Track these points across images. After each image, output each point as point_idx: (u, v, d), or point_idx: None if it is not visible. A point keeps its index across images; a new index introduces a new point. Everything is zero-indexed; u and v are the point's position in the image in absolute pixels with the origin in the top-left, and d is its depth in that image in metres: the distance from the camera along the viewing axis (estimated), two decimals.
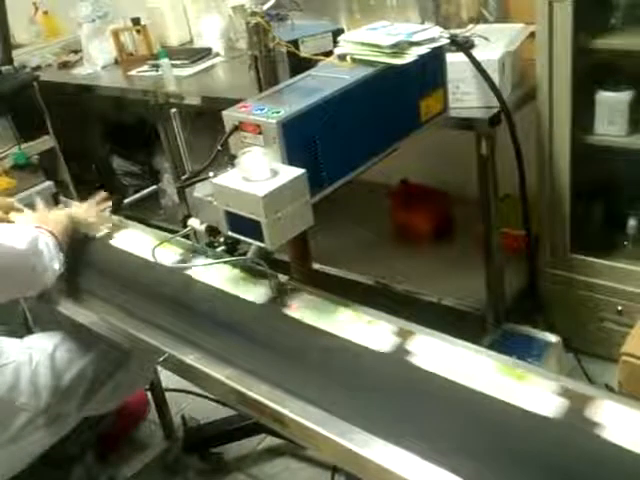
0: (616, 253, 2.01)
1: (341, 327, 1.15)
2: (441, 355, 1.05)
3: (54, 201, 1.80)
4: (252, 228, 1.12)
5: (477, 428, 0.93)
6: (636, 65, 1.84)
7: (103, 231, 1.60)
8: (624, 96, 1.79)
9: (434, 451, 0.89)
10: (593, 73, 1.85)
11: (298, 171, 1.14)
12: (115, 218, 1.65)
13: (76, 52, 3.20)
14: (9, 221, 1.49)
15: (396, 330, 1.12)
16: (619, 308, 1.98)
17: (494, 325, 2.00)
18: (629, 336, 1.48)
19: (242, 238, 1.19)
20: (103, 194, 1.66)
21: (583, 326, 2.07)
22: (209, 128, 1.95)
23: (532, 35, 1.83)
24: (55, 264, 1.35)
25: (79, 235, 1.54)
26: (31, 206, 1.55)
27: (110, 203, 1.66)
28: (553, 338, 1.88)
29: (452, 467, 0.86)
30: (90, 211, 1.60)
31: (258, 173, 1.12)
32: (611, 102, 1.81)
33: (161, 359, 1.19)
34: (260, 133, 1.19)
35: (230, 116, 1.24)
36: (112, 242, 1.57)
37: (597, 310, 2.04)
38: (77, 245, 1.53)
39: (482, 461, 0.88)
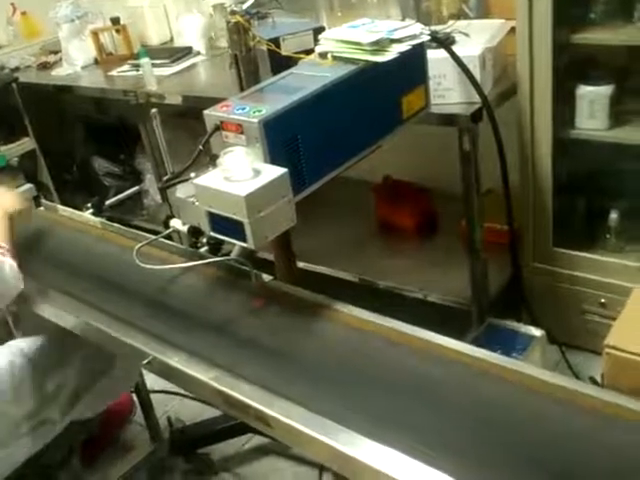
0: (598, 246, 2.03)
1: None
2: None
3: (35, 203, 1.78)
4: (235, 228, 1.12)
5: (467, 426, 0.93)
6: (616, 59, 1.86)
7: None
8: (604, 90, 1.81)
9: (422, 448, 0.89)
10: (573, 67, 1.86)
11: (280, 170, 1.14)
12: (97, 220, 1.63)
13: (55, 53, 3.17)
14: None
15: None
16: (602, 300, 1.99)
17: (479, 320, 2.00)
18: (612, 328, 1.49)
19: (225, 238, 1.18)
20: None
21: (567, 319, 2.08)
22: (191, 128, 1.94)
23: (513, 31, 1.83)
24: (19, 284, 1.35)
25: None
26: None
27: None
28: (537, 332, 1.89)
29: (440, 465, 0.86)
30: (14, 199, 1.52)
31: (240, 173, 1.12)
32: (592, 96, 1.82)
33: (145, 362, 1.18)
34: (242, 132, 1.18)
35: (211, 116, 1.23)
36: (93, 244, 1.56)
37: (580, 303, 2.05)
38: (58, 247, 1.51)
39: (472, 459, 0.88)
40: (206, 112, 1.24)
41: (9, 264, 1.33)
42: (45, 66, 3.11)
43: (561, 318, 2.08)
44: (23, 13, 3.38)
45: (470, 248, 1.94)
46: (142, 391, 2.00)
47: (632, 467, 0.85)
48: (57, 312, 1.41)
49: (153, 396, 2.06)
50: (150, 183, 2.99)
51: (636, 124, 1.84)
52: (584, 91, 1.83)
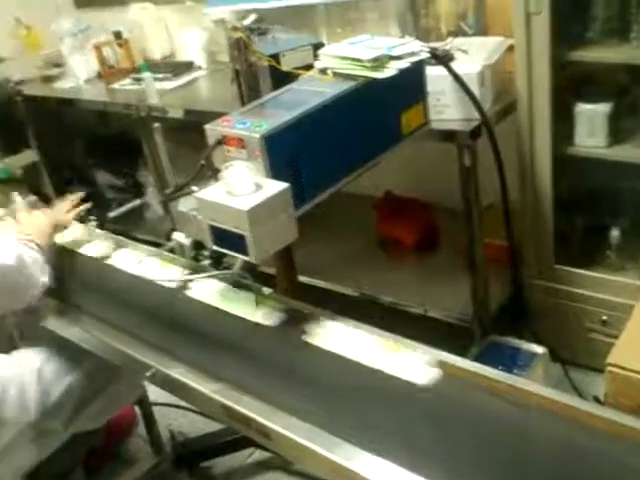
0: (599, 263, 2.02)
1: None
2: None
3: None
4: (237, 242, 1.13)
5: (469, 443, 0.93)
6: (614, 77, 1.87)
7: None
8: (603, 108, 1.81)
9: (420, 463, 0.89)
10: (572, 85, 1.87)
11: (282, 185, 1.15)
12: (100, 232, 1.64)
13: (58, 66, 3.19)
14: None
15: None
16: (604, 318, 1.99)
17: (480, 336, 2.00)
18: (614, 346, 1.49)
19: (227, 252, 1.19)
20: (76, 196, 1.67)
21: (569, 337, 2.08)
22: (192, 141, 1.95)
23: (511, 48, 1.84)
24: (43, 277, 1.37)
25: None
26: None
27: (86, 205, 1.66)
28: (539, 349, 1.89)
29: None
30: (68, 215, 1.60)
31: (242, 187, 1.13)
32: (590, 114, 1.82)
33: (148, 374, 1.18)
34: (243, 147, 1.19)
35: (213, 130, 1.24)
36: (98, 256, 1.57)
37: (582, 320, 2.05)
38: (61, 260, 1.52)
39: (469, 471, 0.89)
40: (208, 126, 1.25)
41: (32, 257, 1.35)
42: (48, 79, 3.13)
43: (563, 335, 2.08)
44: (27, 27, 3.41)
45: (471, 264, 1.94)
46: (145, 404, 1.99)
47: None
48: (61, 324, 1.42)
49: (156, 409, 2.05)
50: (152, 196, 3.00)
51: (635, 142, 1.84)
52: (583, 109, 1.83)
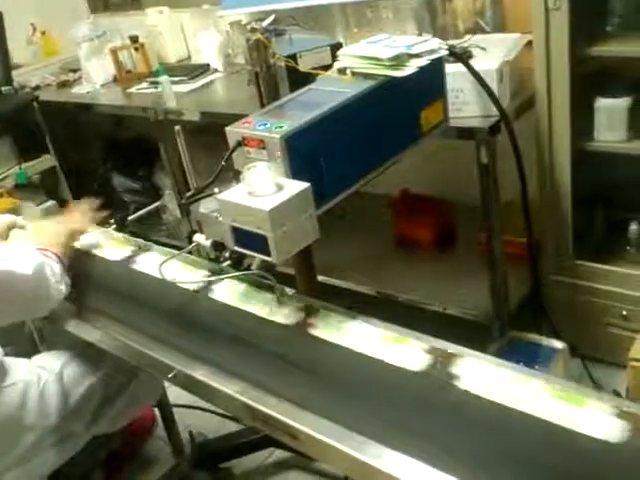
0: (619, 258, 2.01)
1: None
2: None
3: None
4: (258, 242, 1.13)
5: (486, 439, 0.93)
6: (634, 71, 1.85)
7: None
8: (623, 102, 1.80)
9: (447, 461, 0.89)
10: (591, 80, 1.86)
11: (303, 185, 1.15)
12: (120, 235, 1.65)
13: (75, 71, 3.22)
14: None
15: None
16: (624, 313, 1.98)
17: (500, 333, 2.00)
18: (636, 341, 1.48)
19: (248, 252, 1.19)
20: (90, 202, 1.65)
21: (589, 332, 2.07)
22: (207, 144, 1.96)
23: (530, 44, 1.84)
24: (61, 287, 1.36)
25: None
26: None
27: (102, 213, 1.65)
28: (559, 344, 1.89)
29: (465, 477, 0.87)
30: (84, 221, 1.59)
31: (263, 188, 1.13)
32: (610, 108, 1.81)
33: (170, 375, 1.19)
34: (264, 148, 1.19)
35: (233, 132, 1.25)
36: (117, 259, 1.58)
37: (602, 315, 2.04)
38: (81, 263, 1.53)
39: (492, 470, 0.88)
40: (228, 128, 1.26)
41: (50, 266, 1.34)
42: (65, 84, 3.16)
43: (583, 331, 2.07)
44: (43, 32, 3.44)
45: (490, 261, 1.93)
46: (164, 405, 2.00)
47: None
48: (82, 327, 1.43)
49: (175, 410, 2.06)
50: (169, 199, 3.01)
51: None
52: (602, 103, 1.82)
